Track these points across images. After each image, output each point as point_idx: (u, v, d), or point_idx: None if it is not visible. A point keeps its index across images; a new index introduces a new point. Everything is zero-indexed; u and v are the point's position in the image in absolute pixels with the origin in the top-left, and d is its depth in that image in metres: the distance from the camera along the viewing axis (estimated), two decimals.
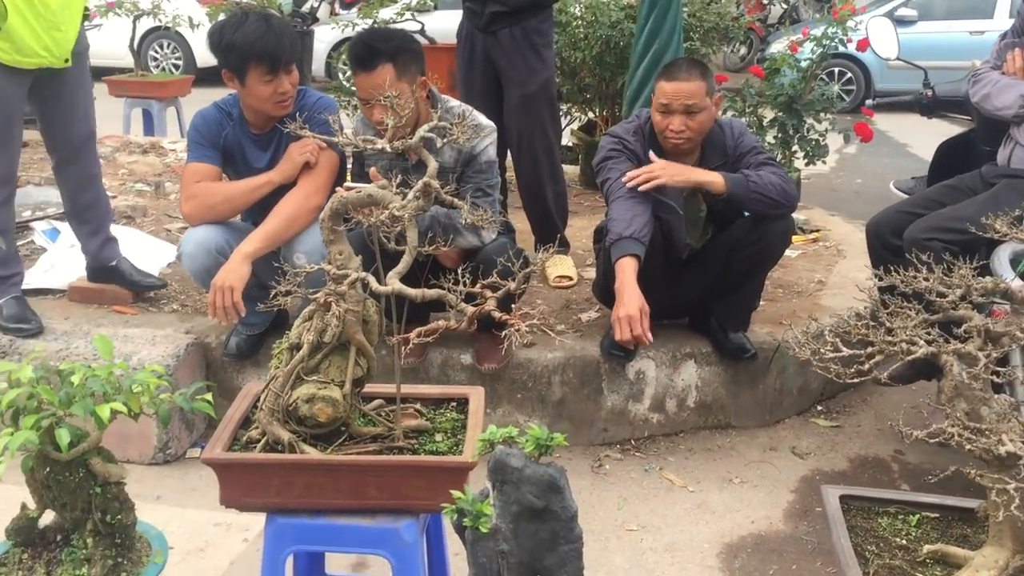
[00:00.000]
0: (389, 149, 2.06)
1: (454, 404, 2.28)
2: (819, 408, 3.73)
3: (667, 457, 3.37)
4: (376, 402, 2.23)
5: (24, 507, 1.66)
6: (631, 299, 2.95)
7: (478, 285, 1.98)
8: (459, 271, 1.97)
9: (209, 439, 2.00)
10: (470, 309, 1.93)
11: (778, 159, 6.65)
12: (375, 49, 2.99)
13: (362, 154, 3.22)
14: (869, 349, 1.79)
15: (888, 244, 3.29)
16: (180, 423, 3.32)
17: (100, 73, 7.78)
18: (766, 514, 3.03)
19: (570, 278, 3.98)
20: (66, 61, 3.25)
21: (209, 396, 1.84)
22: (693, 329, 3.54)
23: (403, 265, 1.98)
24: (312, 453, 1.99)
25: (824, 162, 6.80)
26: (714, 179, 3.07)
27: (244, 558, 2.78)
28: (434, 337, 1.88)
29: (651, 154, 3.16)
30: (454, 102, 3.24)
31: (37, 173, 5.64)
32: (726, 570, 2.76)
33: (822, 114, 6.38)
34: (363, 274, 1.96)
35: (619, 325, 2.95)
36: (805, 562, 2.79)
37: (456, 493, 1.37)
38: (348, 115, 5.42)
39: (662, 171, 3.07)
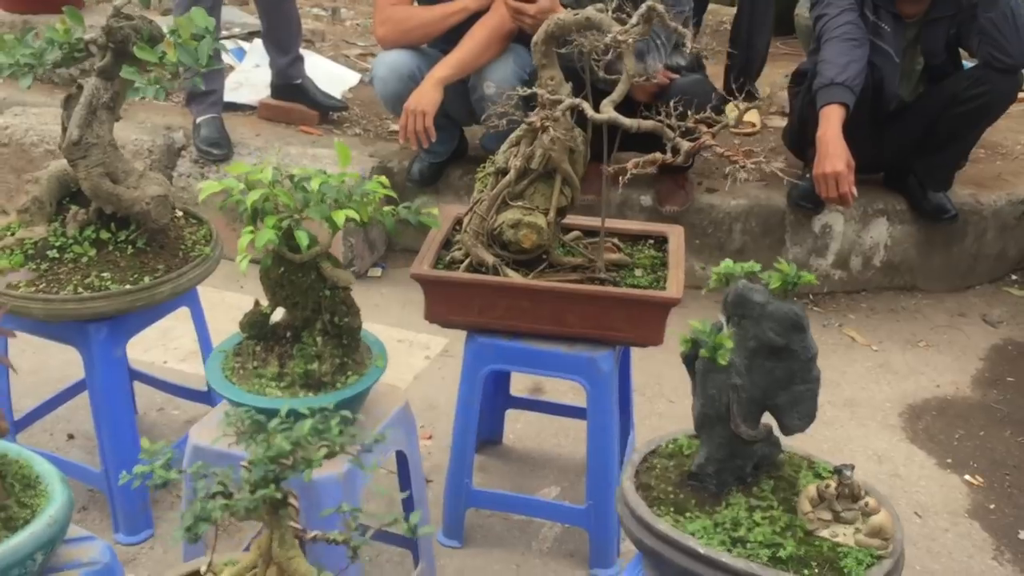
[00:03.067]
0: None
1: (651, 242, 2.25)
2: (1014, 277, 3.52)
3: (848, 315, 3.27)
4: (574, 233, 2.23)
5: (257, 303, 1.75)
6: (837, 153, 2.80)
7: (691, 120, 1.91)
8: (654, 106, 1.90)
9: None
10: (686, 144, 1.87)
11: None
12: None
13: None
14: None
15: None
16: (363, 243, 3.43)
17: None
18: (953, 379, 2.93)
19: (753, 124, 3.82)
20: None
21: (435, 210, 1.87)
22: (888, 185, 3.36)
23: (618, 94, 1.92)
24: (515, 277, 2.01)
25: None
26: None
27: (426, 373, 2.90)
28: (652, 168, 1.82)
29: None
30: None
31: None
32: (909, 430, 2.70)
33: None
34: (578, 100, 1.91)
35: (824, 182, 2.82)
36: (994, 429, 2.70)
37: (694, 323, 1.36)
38: None
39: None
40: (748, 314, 1.32)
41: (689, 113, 1.91)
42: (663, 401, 2.79)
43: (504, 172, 2.06)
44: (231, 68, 4.38)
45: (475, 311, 2.03)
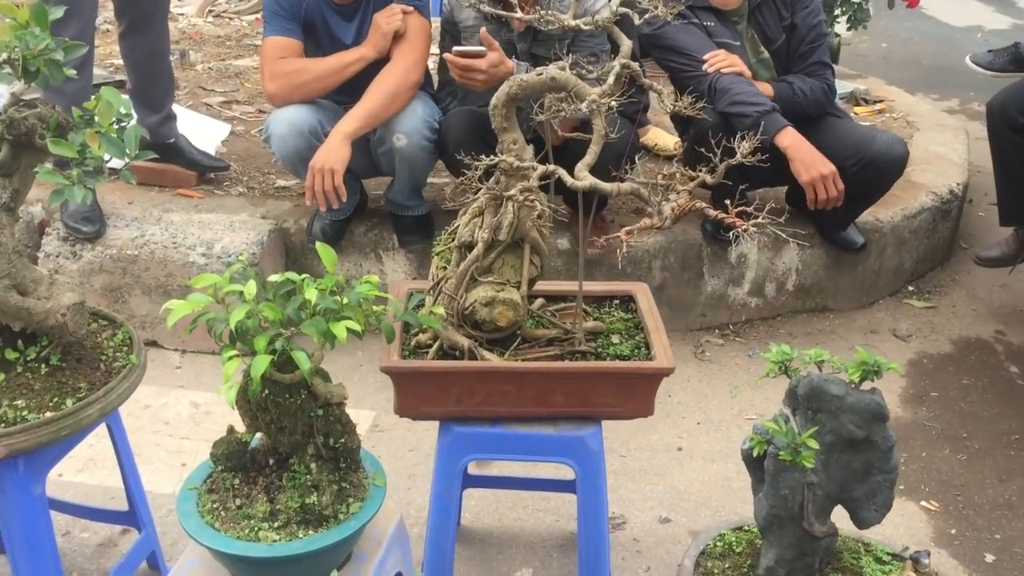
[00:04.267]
0: (570, 23, 1.85)
1: (617, 302, 2.14)
2: (910, 288, 3.65)
3: (767, 342, 3.28)
4: (539, 301, 2.10)
5: (232, 430, 1.52)
6: (820, 157, 2.85)
7: (676, 177, 1.82)
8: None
9: None
10: (668, 208, 1.77)
11: None
12: None
13: (456, 25, 2.97)
14: None
15: (1016, 124, 3.13)
16: None
17: None
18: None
19: (676, 147, 3.79)
20: None
21: (440, 309, 1.69)
22: (790, 202, 3.39)
23: (591, 157, 1.80)
24: (493, 359, 1.86)
25: (866, 27, 6.57)
26: (763, 89, 3.00)
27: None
28: (647, 236, 1.71)
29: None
30: None
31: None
32: None
33: None
34: (553, 167, 1.78)
35: (818, 185, 2.84)
36: (933, 449, 2.75)
37: (768, 423, 1.25)
38: None
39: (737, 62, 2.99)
40: (824, 407, 1.23)
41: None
42: (614, 456, 2.69)
43: (469, 246, 1.90)
44: None
45: (452, 400, 1.86)
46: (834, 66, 5.58)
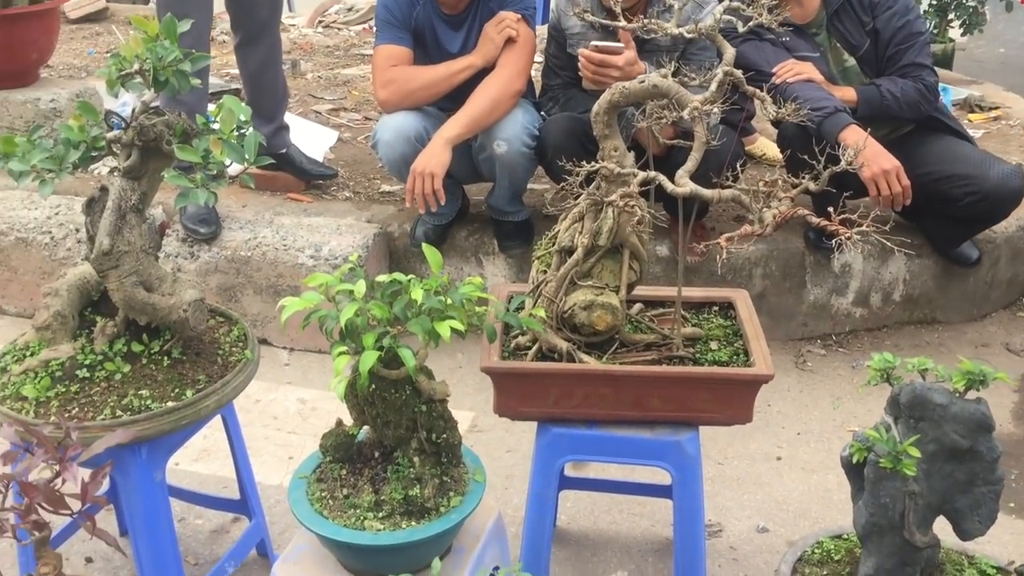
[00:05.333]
0: (673, 31, 1.87)
1: (716, 308, 2.15)
2: None
3: (872, 353, 3.20)
4: (637, 306, 2.12)
5: (339, 422, 1.59)
6: (884, 152, 2.79)
7: (778, 184, 1.81)
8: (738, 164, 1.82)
9: None
10: (770, 215, 1.77)
11: (932, 28, 6.23)
12: None
13: (563, 32, 3.01)
14: None
15: None
16: None
17: None
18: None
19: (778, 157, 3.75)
20: None
21: (540, 311, 1.73)
22: (898, 213, 3.31)
23: (692, 163, 1.82)
24: (591, 363, 1.89)
25: (982, 30, 6.36)
26: (845, 94, 2.94)
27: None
28: (747, 243, 1.72)
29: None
30: None
31: None
32: None
33: None
34: (654, 173, 1.80)
35: (881, 180, 2.77)
36: None
37: (869, 431, 1.25)
38: None
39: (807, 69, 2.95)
40: (927, 416, 1.22)
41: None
42: (711, 464, 2.68)
43: (569, 251, 1.94)
44: None
45: (551, 402, 1.90)
46: (948, 71, 5.45)
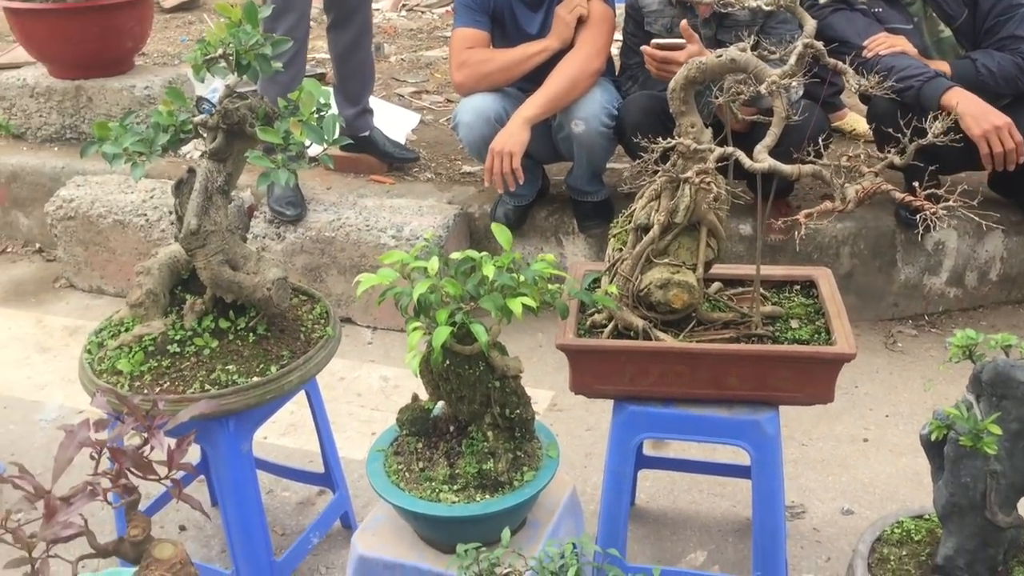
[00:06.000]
0: (751, 3, 1.84)
1: (798, 287, 2.11)
2: None
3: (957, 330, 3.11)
4: (716, 285, 2.09)
5: (416, 397, 1.62)
6: (991, 108, 2.69)
7: (844, 159, 1.77)
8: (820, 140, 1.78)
9: None
10: (852, 191, 1.73)
11: None
12: None
13: (640, 10, 2.98)
14: None
15: None
16: None
17: None
18: None
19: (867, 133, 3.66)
20: None
21: (614, 289, 1.74)
22: (994, 188, 3.19)
23: (771, 139, 1.77)
24: (668, 340, 1.88)
25: None
26: (939, 68, 2.82)
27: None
28: (827, 219, 1.68)
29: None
30: None
31: None
32: None
33: None
34: (732, 149, 1.77)
35: (993, 136, 2.67)
36: None
37: (948, 408, 1.22)
38: None
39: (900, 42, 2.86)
40: (1011, 394, 1.18)
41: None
42: (794, 445, 2.64)
43: (645, 229, 1.92)
44: None
45: (626, 379, 1.89)
46: None
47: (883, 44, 2.79)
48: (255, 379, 1.88)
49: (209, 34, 1.77)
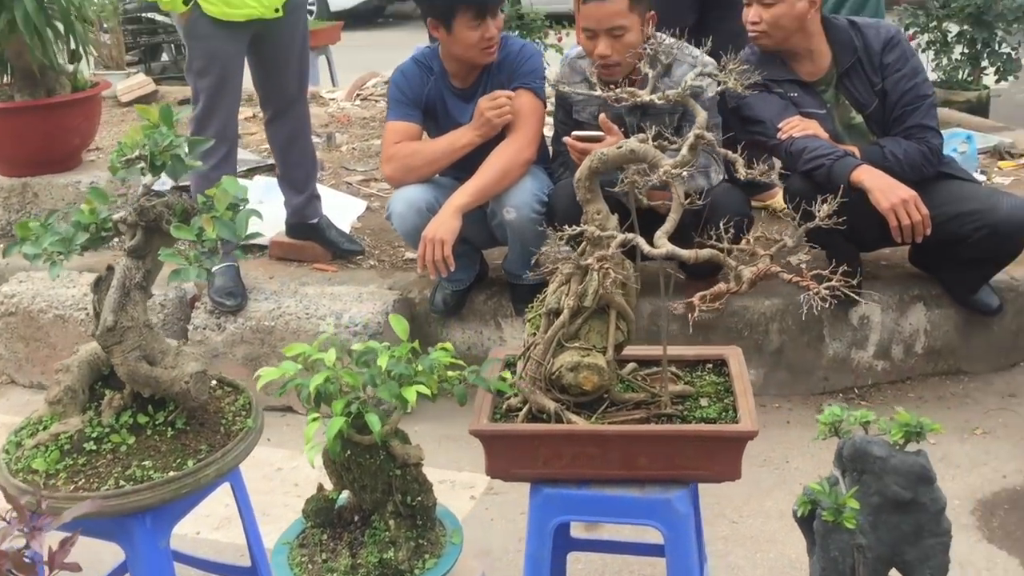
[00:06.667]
0: (657, 102, 1.93)
1: (710, 366, 2.16)
2: None
3: (895, 406, 3.14)
4: (630, 365, 2.14)
5: (321, 488, 1.64)
6: (898, 183, 2.80)
7: (743, 242, 1.85)
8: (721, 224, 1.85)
9: None
10: (748, 272, 1.80)
11: (965, 76, 6.21)
12: None
13: (568, 100, 3.10)
14: None
15: None
16: None
17: None
18: (1017, 467, 2.83)
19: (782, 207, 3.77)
20: (277, 11, 3.21)
21: (507, 374, 1.78)
22: (916, 264, 3.30)
23: (670, 224, 1.86)
24: (579, 422, 1.92)
25: (1016, 76, 6.31)
26: (850, 151, 2.95)
27: (474, 516, 2.77)
28: (721, 302, 1.75)
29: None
30: (667, 38, 3.06)
31: (241, 132, 5.74)
32: (985, 529, 2.58)
33: (1015, 25, 5.89)
34: (633, 235, 1.84)
35: (900, 210, 2.76)
36: None
37: (812, 484, 1.26)
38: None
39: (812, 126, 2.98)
40: (868, 468, 1.23)
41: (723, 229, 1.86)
42: (725, 522, 2.66)
43: (556, 313, 1.98)
44: None
45: (540, 462, 1.92)
46: (982, 119, 5.42)
47: (796, 127, 2.92)
48: (171, 474, 1.88)
49: (127, 136, 1.83)
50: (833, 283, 1.68)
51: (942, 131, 3.09)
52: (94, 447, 1.93)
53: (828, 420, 1.28)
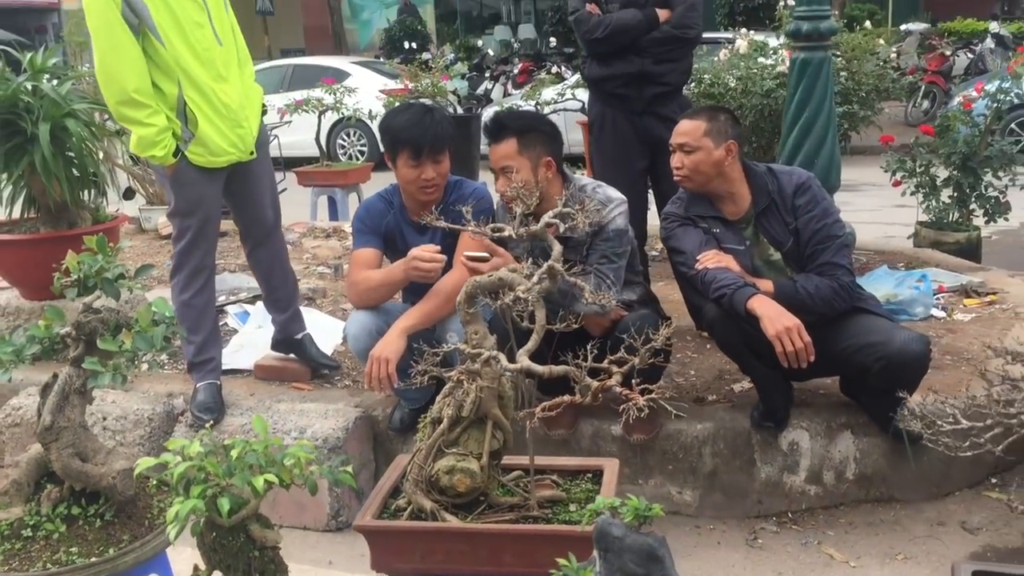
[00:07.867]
0: (515, 236, 2.22)
1: (590, 476, 2.36)
2: (993, 480, 3.53)
3: (826, 531, 3.29)
4: (515, 473, 2.36)
5: (196, 568, 1.87)
6: (784, 312, 2.97)
7: (605, 360, 2.09)
8: (588, 345, 2.10)
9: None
10: (593, 384, 2.04)
11: (954, 218, 6.40)
12: (503, 124, 3.23)
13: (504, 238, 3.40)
14: (987, 422, 1.75)
15: None
16: (351, 492, 3.55)
17: (291, 164, 8.50)
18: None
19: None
20: (251, 154, 3.61)
21: (350, 468, 2.02)
22: (845, 393, 3.46)
23: (532, 343, 2.12)
24: (452, 521, 2.13)
25: (1007, 219, 6.47)
26: (764, 285, 3.14)
27: None
28: (568, 409, 1.98)
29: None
30: (585, 179, 3.38)
31: (233, 260, 6.19)
32: None
33: (1001, 172, 6.09)
34: (494, 352, 2.10)
35: (784, 337, 2.92)
36: None
37: (562, 561, 1.46)
38: None
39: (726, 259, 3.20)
40: (611, 547, 1.42)
41: (622, 350, 2.11)
42: None
43: (439, 421, 2.23)
44: (235, 331, 4.71)
45: (417, 558, 2.13)
46: (958, 259, 5.58)
47: (712, 259, 3.16)
48: (92, 559, 2.13)
49: (68, 263, 2.16)
50: (654, 397, 1.90)
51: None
52: (30, 534, 2.19)
53: (594, 507, 1.49)
